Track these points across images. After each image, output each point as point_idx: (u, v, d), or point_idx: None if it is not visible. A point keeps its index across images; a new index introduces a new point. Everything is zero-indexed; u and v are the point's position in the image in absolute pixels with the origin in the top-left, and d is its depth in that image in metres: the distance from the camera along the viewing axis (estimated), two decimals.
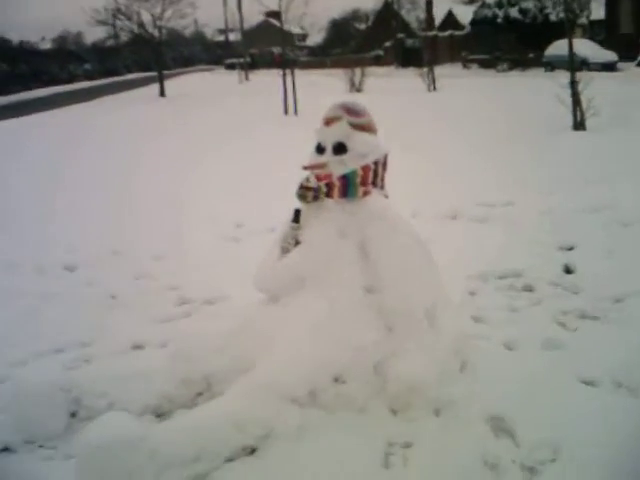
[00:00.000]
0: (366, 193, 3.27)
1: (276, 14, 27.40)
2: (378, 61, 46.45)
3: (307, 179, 3.33)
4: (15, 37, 43.87)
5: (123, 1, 27.97)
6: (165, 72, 30.22)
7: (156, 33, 28.62)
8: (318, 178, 3.29)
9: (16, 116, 21.39)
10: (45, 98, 31.74)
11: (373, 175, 3.30)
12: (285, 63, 20.13)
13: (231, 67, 51.69)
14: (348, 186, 3.25)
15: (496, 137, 11.29)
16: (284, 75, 17.83)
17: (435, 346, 3.11)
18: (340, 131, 3.28)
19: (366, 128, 3.34)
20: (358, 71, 25.00)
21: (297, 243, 3.34)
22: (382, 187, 3.40)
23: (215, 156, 10.71)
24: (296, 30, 69.72)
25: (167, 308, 4.52)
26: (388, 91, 23.14)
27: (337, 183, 3.24)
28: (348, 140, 3.27)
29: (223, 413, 2.77)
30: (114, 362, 3.72)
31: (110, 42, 40.69)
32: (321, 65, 48.07)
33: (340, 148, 3.27)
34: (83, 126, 16.96)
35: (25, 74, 37.65)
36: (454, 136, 11.71)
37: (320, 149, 3.35)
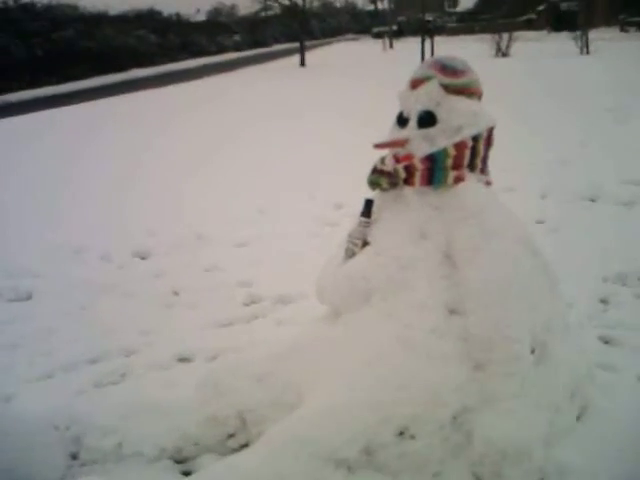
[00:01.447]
0: (459, 180, 2.42)
1: None
2: (529, 25, 43.88)
3: (382, 160, 2.53)
4: (166, 9, 44.86)
5: None
6: (311, 42, 29.96)
7: (300, 2, 28.36)
8: (396, 159, 2.47)
9: (157, 87, 21.57)
10: (191, 69, 32.23)
11: (471, 155, 2.44)
12: (428, 30, 19.04)
13: (378, 36, 50.47)
14: (434, 170, 2.41)
15: None
16: (423, 41, 16.82)
17: (544, 392, 2.24)
18: (428, 96, 2.43)
19: (466, 91, 2.47)
20: (506, 36, 23.40)
21: (366, 244, 2.56)
22: (483, 171, 2.52)
23: (337, 126, 9.97)
24: None
25: (232, 308, 3.85)
26: (536, 55, 21.57)
27: (420, 166, 2.41)
28: (438, 108, 2.42)
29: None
30: (142, 382, 3.09)
31: (262, 14, 40.86)
32: (469, 31, 45.94)
33: (427, 119, 2.43)
34: (211, 96, 16.68)
35: (174, 46, 38.45)
36: (601, 101, 10.37)
37: (402, 120, 2.52)
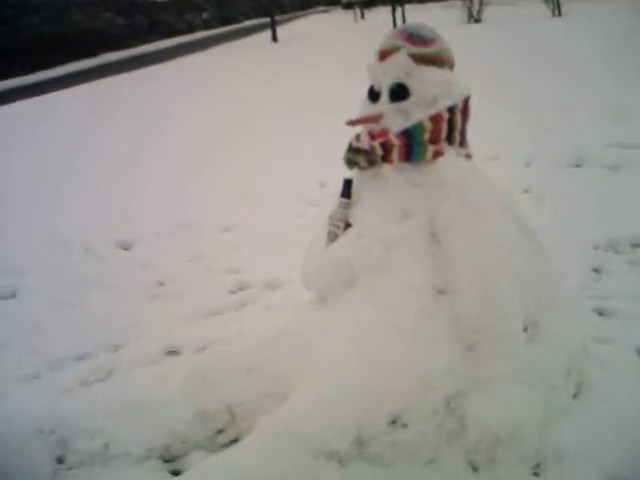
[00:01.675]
0: (438, 154, 2.33)
1: None
2: None
3: (357, 137, 2.45)
4: None
5: None
6: (281, 17, 29.45)
7: None
8: (372, 136, 2.39)
9: (130, 70, 21.20)
10: (162, 51, 31.75)
11: (448, 128, 2.36)
12: None
13: (348, 6, 49.92)
14: (412, 146, 2.33)
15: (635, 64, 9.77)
16: (393, 10, 16.63)
17: (539, 371, 2.19)
18: (397, 67, 2.34)
19: (437, 61, 2.37)
20: (477, 0, 23.23)
21: (348, 225, 2.49)
22: (462, 144, 2.44)
23: (315, 102, 9.85)
24: None
25: (219, 297, 3.77)
26: (509, 20, 21.35)
27: (396, 142, 2.33)
28: (409, 79, 2.33)
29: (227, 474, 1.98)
30: (129, 378, 3.02)
31: None
32: None
33: (399, 92, 2.34)
34: (187, 78, 16.41)
35: (143, 27, 37.76)
36: (579, 65, 10.31)
37: (374, 95, 2.43)
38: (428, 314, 2.20)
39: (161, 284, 4.07)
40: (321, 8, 71.21)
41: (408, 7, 23.60)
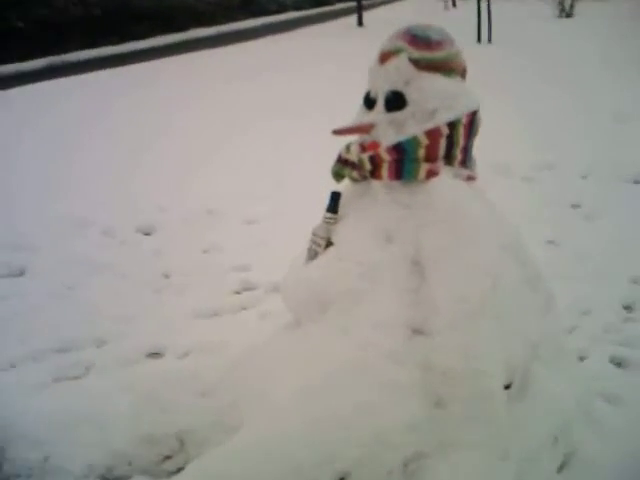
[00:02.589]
0: (432, 174, 2.03)
1: None
2: None
3: (348, 148, 2.17)
4: None
5: None
6: (373, 1, 28.91)
7: None
8: (362, 148, 2.11)
9: (214, 47, 21.16)
10: (249, 29, 31.75)
11: (448, 145, 2.05)
12: None
13: None
14: (403, 162, 2.04)
15: None
16: (479, 1, 16.00)
17: (518, 438, 1.86)
18: (396, 73, 2.04)
19: (442, 67, 2.07)
20: None
21: (330, 243, 2.22)
22: (464, 163, 2.12)
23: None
24: None
25: (221, 296, 3.56)
26: (603, 16, 20.31)
27: (386, 157, 2.04)
28: (408, 87, 2.04)
29: None
30: (101, 379, 2.83)
31: None
32: None
33: (395, 101, 2.05)
34: (256, 60, 16.22)
35: (233, 5, 37.93)
36: None
37: (369, 101, 2.14)
38: (398, 359, 1.92)
39: (166, 276, 3.87)
40: None
41: None
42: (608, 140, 6.01)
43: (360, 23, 27.21)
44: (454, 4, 38.66)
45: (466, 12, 27.38)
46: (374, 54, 2.19)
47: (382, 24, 26.40)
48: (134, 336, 3.21)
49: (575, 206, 4.51)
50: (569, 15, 21.85)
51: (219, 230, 4.51)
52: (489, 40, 15.58)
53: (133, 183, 5.61)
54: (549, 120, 6.91)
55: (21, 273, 4.06)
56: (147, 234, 4.60)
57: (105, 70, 15.75)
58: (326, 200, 2.27)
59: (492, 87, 8.70)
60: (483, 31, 15.75)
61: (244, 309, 3.45)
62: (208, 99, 9.76)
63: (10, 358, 3.09)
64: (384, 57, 2.11)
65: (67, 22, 23.44)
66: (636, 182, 4.95)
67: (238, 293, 3.63)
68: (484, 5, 15.86)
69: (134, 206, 5.01)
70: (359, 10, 27.35)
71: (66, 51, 22.22)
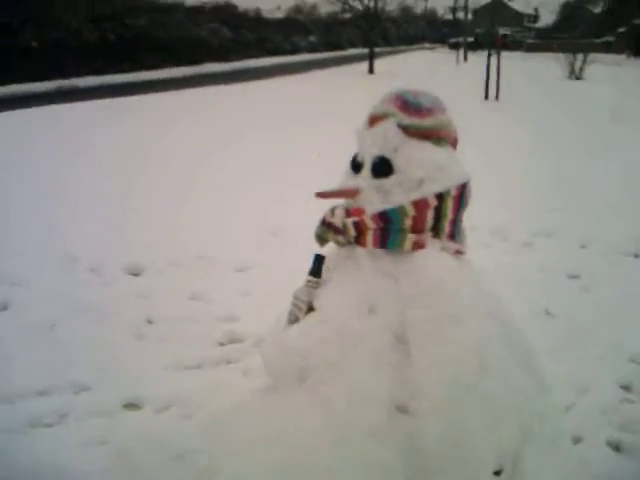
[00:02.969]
0: (418, 246, 1.98)
1: None
2: (608, 48, 42.40)
3: (332, 211, 2.12)
4: (243, 3, 44.98)
5: None
6: (386, 49, 29.31)
7: (372, 4, 27.86)
8: (347, 212, 2.06)
9: (228, 83, 21.34)
10: (262, 68, 32.12)
11: (434, 217, 2.00)
12: (504, 44, 18.40)
13: (454, 46, 49.85)
14: (389, 232, 1.99)
15: None
16: (489, 55, 16.17)
17: None
18: (384, 138, 2.00)
19: (432, 135, 2.03)
20: (581, 57, 22.43)
21: (311, 308, 2.15)
22: (452, 237, 2.06)
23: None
24: (527, 10, 66.24)
25: (205, 348, 3.47)
26: (612, 80, 20.49)
27: (371, 224, 1.99)
28: (396, 155, 2.00)
29: None
30: (75, 429, 2.74)
31: (340, 16, 40.57)
32: (547, 48, 44.84)
33: (382, 167, 2.01)
34: (265, 100, 16.31)
35: (248, 42, 38.42)
36: None
37: (356, 165, 2.10)
38: (380, 437, 1.84)
39: (150, 322, 3.79)
40: (427, 45, 71.28)
41: (513, 54, 23.02)
42: (610, 210, 5.96)
43: (371, 71, 27.56)
44: (465, 58, 39.25)
45: (477, 66, 27.75)
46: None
47: (392, 73, 26.77)
48: (113, 384, 3.12)
49: (573, 277, 4.44)
50: (579, 77, 22.06)
51: (208, 276, 4.44)
52: (496, 97, 15.70)
53: (126, 220, 5.58)
54: (551, 184, 6.88)
55: (4, 307, 4.01)
56: (135, 274, 4.54)
57: (114, 98, 15.87)
58: (310, 261, 2.21)
59: (495, 146, 8.74)
60: (491, 87, 15.88)
61: (228, 363, 3.36)
62: (211, 138, 9.81)
63: None
64: (373, 120, 2.08)
65: (81, 46, 23.67)
66: (636, 256, 4.87)
67: (223, 345, 3.54)
68: (494, 61, 16.01)
69: (124, 244, 4.97)
70: (371, 58, 27.75)
71: (78, 75, 22.41)
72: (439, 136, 2.04)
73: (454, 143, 2.11)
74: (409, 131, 2.00)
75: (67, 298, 4.04)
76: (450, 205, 2.00)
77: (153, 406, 2.95)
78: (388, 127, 2.00)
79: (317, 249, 2.21)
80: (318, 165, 7.92)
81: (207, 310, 3.92)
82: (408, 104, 2.02)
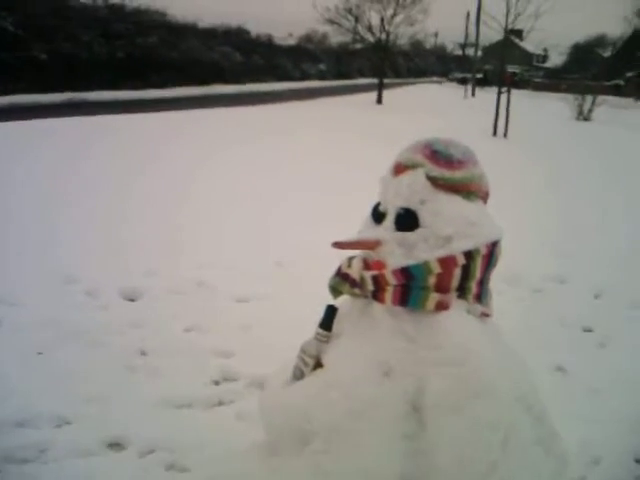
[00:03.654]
0: (441, 307, 1.81)
1: (518, 32, 25.75)
2: (617, 91, 42.59)
3: (349, 262, 1.96)
4: (256, 29, 45.30)
5: (355, 1, 27.59)
6: (395, 80, 29.42)
7: (383, 37, 27.97)
8: (366, 264, 1.90)
9: (235, 105, 21.30)
10: (272, 92, 32.19)
11: (461, 276, 1.84)
12: (513, 82, 18.41)
13: (462, 82, 50.20)
14: (411, 289, 1.82)
15: None
16: (499, 93, 16.13)
17: None
18: (410, 189, 1.85)
19: (462, 189, 1.87)
20: (590, 99, 22.43)
21: (319, 365, 1.98)
22: (479, 298, 1.90)
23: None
24: (536, 50, 66.81)
25: (198, 386, 3.27)
26: (620, 122, 20.46)
27: (392, 280, 1.82)
28: (422, 207, 1.84)
29: None
30: (53, 469, 2.57)
31: (351, 47, 40.93)
32: (555, 88, 45.08)
33: (406, 219, 1.85)
34: (269, 124, 16.23)
35: (258, 67, 38.60)
36: None
37: (378, 215, 1.94)
38: None
39: (142, 354, 3.60)
40: (435, 79, 71.83)
41: (521, 92, 23.04)
42: (623, 259, 5.78)
43: (379, 101, 27.59)
44: (473, 93, 39.41)
45: (484, 102, 27.87)
46: (389, 159, 2.01)
47: (400, 105, 26.81)
48: (97, 419, 2.95)
49: (587, 330, 4.24)
50: (586, 119, 22.04)
51: (206, 306, 4.25)
52: (505, 135, 15.63)
53: (126, 242, 5.41)
54: (561, 228, 6.73)
55: None
56: (131, 300, 4.36)
57: (121, 115, 15.80)
58: (321, 312, 2.05)
59: (503, 184, 8.57)
60: (500, 125, 15.81)
61: (221, 404, 3.16)
62: (217, 161, 9.70)
63: None
64: (399, 169, 1.92)
65: (90, 60, 23.70)
66: None
67: (216, 384, 3.35)
68: (503, 98, 15.95)
69: (122, 267, 4.81)
70: (380, 89, 27.83)
71: (86, 89, 22.41)
72: (470, 190, 1.88)
73: (485, 197, 1.95)
74: (438, 183, 1.85)
75: (59, 322, 3.87)
76: (479, 264, 1.84)
77: (138, 448, 2.77)
78: (415, 178, 1.84)
79: (328, 298, 2.05)
80: (329, 191, 7.83)
81: (202, 344, 3.72)
82: (438, 154, 1.87)
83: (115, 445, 2.80)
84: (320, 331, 2.01)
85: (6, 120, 13.06)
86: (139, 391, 3.21)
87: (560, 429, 2.02)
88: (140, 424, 2.91)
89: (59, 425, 2.93)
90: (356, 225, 2.06)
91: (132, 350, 3.62)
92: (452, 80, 55.60)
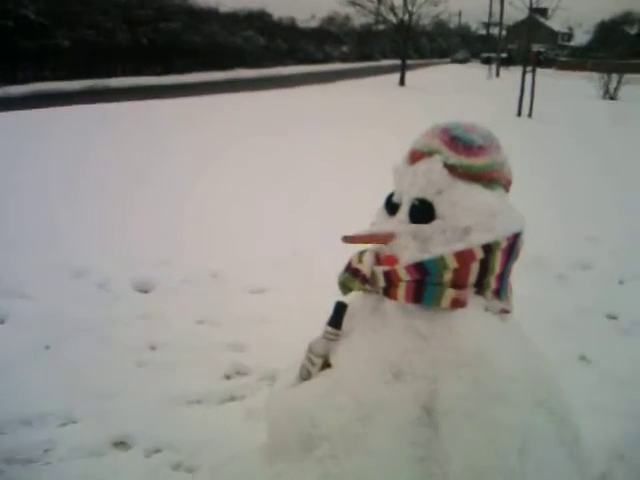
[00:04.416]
0: (457, 304, 1.67)
1: (543, 11, 25.28)
2: None
3: (360, 256, 1.81)
4: (279, 12, 45.16)
5: None
6: (418, 61, 29.12)
7: (406, 18, 27.67)
8: (377, 259, 1.75)
9: (258, 89, 21.17)
10: (294, 75, 32.04)
11: (479, 271, 1.68)
12: (538, 61, 18.03)
13: (487, 61, 49.55)
14: (425, 285, 1.68)
15: None
16: (524, 73, 15.79)
17: None
18: (426, 178, 1.69)
19: (483, 177, 1.71)
20: (616, 77, 21.93)
21: (326, 365, 1.85)
22: (498, 294, 1.75)
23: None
24: (562, 29, 65.81)
25: (209, 380, 3.16)
26: None
27: (405, 276, 1.68)
28: (439, 198, 1.69)
29: None
30: (55, 471, 2.47)
31: (373, 28, 40.59)
32: (580, 67, 44.30)
33: (422, 211, 1.70)
34: (292, 107, 16.05)
35: (281, 50, 38.46)
36: None
37: (391, 206, 1.79)
38: None
39: (153, 348, 3.49)
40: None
41: (546, 71, 22.60)
42: None
43: (402, 83, 27.32)
44: (497, 73, 38.85)
45: (509, 82, 27.46)
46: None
47: (424, 86, 26.48)
48: (104, 417, 2.85)
49: (611, 317, 4.07)
50: (613, 98, 21.59)
51: (219, 297, 4.13)
52: (529, 115, 15.31)
53: (139, 231, 5.30)
54: (586, 211, 6.51)
55: (1, 321, 3.74)
56: (144, 291, 4.25)
57: (142, 101, 15.73)
58: (330, 309, 1.91)
59: (527, 167, 8.32)
60: (525, 105, 15.48)
61: (232, 399, 3.04)
62: (235, 149, 9.54)
63: None
64: (415, 157, 1.76)
65: (113, 47, 23.75)
66: None
67: (228, 378, 3.24)
68: (528, 78, 15.62)
69: (135, 257, 4.70)
70: (402, 70, 27.56)
71: (109, 76, 22.45)
72: (491, 178, 1.72)
73: (507, 185, 1.79)
74: (456, 171, 1.69)
75: (68, 315, 3.78)
76: (499, 258, 1.69)
77: (144, 447, 2.66)
78: (432, 166, 1.69)
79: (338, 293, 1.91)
80: (345, 173, 7.66)
81: (214, 337, 3.61)
82: (457, 140, 1.71)
83: (120, 444, 2.70)
84: (329, 329, 1.87)
85: (29, 108, 13.04)
86: (148, 387, 3.10)
87: (581, 422, 1.88)
88: (147, 422, 2.82)
89: (64, 424, 2.85)
90: (369, 217, 1.93)
91: (142, 345, 3.52)
92: (483, 61, 54.58)
